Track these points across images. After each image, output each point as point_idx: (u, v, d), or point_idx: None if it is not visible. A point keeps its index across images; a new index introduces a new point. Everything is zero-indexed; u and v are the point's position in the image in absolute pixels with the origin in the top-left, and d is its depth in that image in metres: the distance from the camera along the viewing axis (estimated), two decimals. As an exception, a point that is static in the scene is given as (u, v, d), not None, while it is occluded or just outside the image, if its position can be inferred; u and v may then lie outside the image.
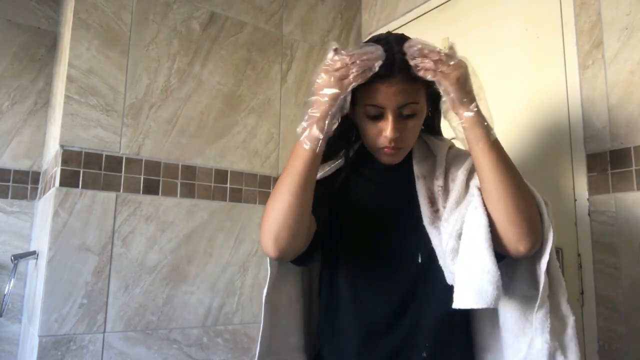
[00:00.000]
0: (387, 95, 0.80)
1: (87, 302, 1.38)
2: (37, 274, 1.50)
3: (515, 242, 0.76)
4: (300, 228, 0.79)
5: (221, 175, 1.67)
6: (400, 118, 0.83)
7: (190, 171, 1.61)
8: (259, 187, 1.73)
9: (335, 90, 0.75)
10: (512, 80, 1.42)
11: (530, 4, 1.41)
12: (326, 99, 0.76)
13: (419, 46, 0.75)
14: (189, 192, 1.60)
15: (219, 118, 1.68)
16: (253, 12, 1.80)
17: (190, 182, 1.60)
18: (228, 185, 1.67)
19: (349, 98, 0.77)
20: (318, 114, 0.76)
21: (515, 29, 1.44)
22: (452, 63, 0.74)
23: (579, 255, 1.20)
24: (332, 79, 0.75)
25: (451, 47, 0.77)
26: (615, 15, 1.19)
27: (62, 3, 1.78)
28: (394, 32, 0.90)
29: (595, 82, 1.21)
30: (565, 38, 1.30)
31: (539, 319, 0.78)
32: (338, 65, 0.75)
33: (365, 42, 0.81)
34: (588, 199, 1.20)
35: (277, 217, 0.78)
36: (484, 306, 0.72)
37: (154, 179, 1.54)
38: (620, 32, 1.17)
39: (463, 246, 0.78)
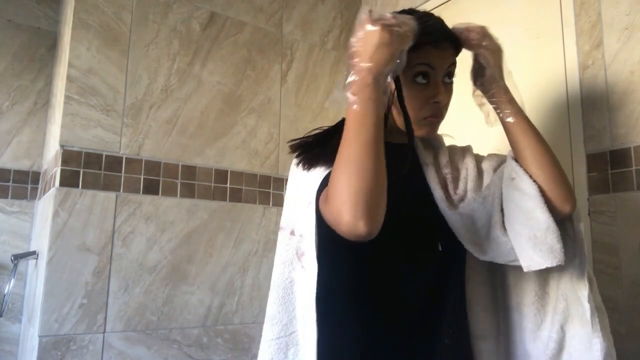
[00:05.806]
0: (439, 57, 0.82)
1: (87, 302, 1.38)
2: (37, 274, 1.50)
3: (563, 202, 0.80)
4: (385, 194, 0.70)
5: (221, 175, 1.67)
6: (443, 84, 0.85)
7: (190, 171, 1.61)
8: (259, 187, 1.73)
9: (397, 43, 0.69)
10: (512, 80, 1.42)
11: (530, 4, 1.41)
12: (385, 53, 0.68)
13: (465, 24, 0.83)
14: (189, 192, 1.60)
15: (219, 118, 1.68)
16: (253, 12, 1.80)
17: (190, 182, 1.60)
18: (228, 185, 1.67)
19: (405, 54, 0.71)
20: (372, 67, 0.68)
21: (515, 29, 1.44)
22: (496, 41, 0.83)
23: (579, 255, 1.20)
24: (390, 32, 0.68)
25: None
26: (615, 15, 1.19)
27: (62, 3, 1.78)
28: None
29: (595, 82, 1.21)
30: (565, 38, 1.30)
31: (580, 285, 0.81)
32: (393, 21, 0.68)
33: (399, 12, 0.83)
34: (588, 199, 1.20)
35: (363, 185, 0.66)
36: (556, 263, 0.74)
37: (154, 179, 1.54)
38: (620, 32, 1.17)
39: (515, 216, 0.80)
